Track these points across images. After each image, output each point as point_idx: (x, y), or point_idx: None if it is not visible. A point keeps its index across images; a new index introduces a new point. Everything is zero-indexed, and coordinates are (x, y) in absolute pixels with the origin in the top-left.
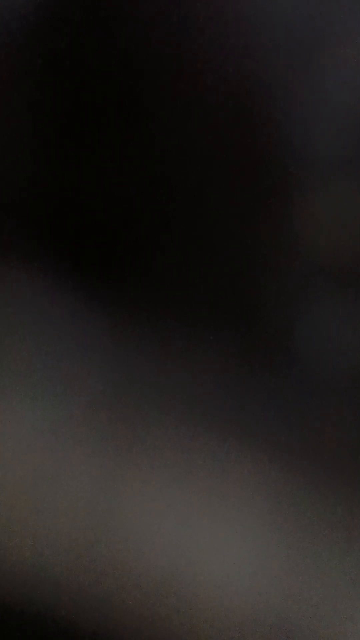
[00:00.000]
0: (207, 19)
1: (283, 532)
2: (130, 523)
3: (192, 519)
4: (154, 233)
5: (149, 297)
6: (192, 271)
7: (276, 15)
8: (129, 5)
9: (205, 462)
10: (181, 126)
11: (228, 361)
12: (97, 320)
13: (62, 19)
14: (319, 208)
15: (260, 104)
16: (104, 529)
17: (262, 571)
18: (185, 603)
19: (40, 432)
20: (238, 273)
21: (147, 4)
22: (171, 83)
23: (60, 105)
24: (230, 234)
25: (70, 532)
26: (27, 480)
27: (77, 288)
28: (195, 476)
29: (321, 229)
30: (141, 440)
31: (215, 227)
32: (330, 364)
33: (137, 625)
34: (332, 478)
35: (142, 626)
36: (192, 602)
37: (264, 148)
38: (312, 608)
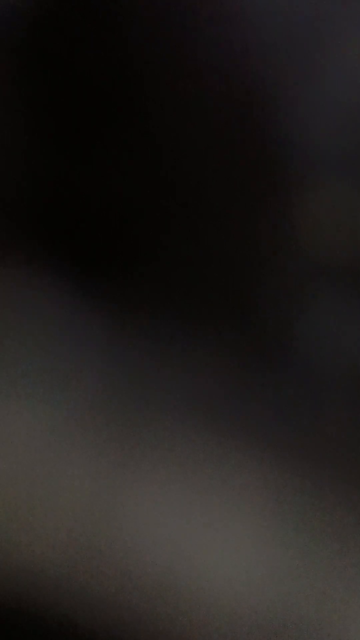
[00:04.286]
0: (207, 19)
1: (283, 531)
2: (130, 523)
3: (192, 519)
4: (153, 232)
5: (148, 296)
6: (191, 270)
7: (276, 15)
8: (129, 5)
9: (205, 461)
10: (181, 126)
11: (228, 361)
12: (97, 320)
13: (62, 19)
14: (319, 208)
15: (260, 104)
16: (104, 529)
17: (262, 571)
18: (185, 603)
19: (39, 432)
20: (238, 272)
21: (147, 4)
22: (171, 83)
23: (60, 105)
24: (230, 233)
25: (70, 531)
26: (27, 480)
27: (77, 288)
28: (195, 475)
29: (321, 229)
30: (141, 439)
31: (215, 227)
32: (329, 363)
33: (137, 625)
34: (331, 477)
35: (142, 626)
36: (192, 602)
37: (264, 148)
38: (312, 608)
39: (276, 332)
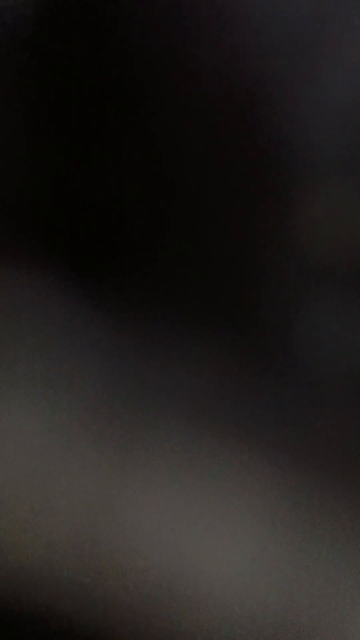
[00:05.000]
0: (207, 19)
1: (283, 532)
2: (130, 523)
3: (192, 519)
4: (153, 233)
5: (148, 297)
6: (191, 271)
7: (276, 15)
8: (129, 5)
9: (205, 462)
10: (181, 126)
11: (228, 361)
12: (97, 320)
13: (62, 19)
14: (319, 208)
15: (260, 104)
16: (104, 529)
17: (262, 571)
18: (185, 603)
19: (40, 432)
20: (238, 273)
21: (147, 4)
22: (171, 83)
23: (60, 106)
24: (230, 233)
25: (70, 532)
26: (27, 480)
27: (77, 288)
28: (195, 476)
29: (321, 229)
30: (141, 440)
31: (215, 227)
32: (330, 364)
33: (137, 625)
34: (331, 477)
35: (142, 626)
36: (192, 602)
37: (264, 148)
38: (312, 608)
39: (276, 333)
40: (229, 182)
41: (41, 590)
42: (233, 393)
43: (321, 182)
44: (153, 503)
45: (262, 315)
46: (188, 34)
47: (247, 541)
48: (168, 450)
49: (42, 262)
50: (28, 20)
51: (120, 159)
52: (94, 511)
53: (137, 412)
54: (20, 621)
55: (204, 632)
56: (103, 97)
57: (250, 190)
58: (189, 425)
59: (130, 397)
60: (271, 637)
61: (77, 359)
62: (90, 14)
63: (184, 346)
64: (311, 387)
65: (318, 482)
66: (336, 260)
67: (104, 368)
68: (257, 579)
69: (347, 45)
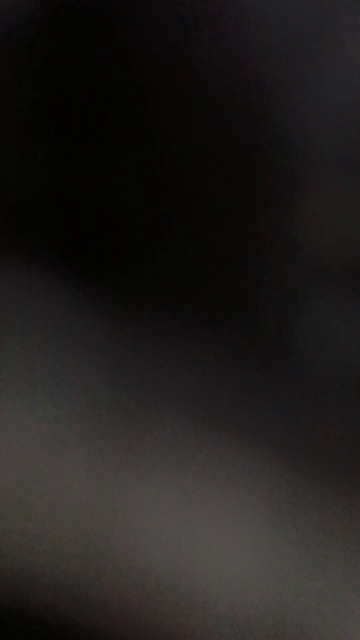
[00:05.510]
0: (207, 19)
1: (283, 531)
2: (130, 522)
3: (191, 519)
4: (153, 233)
5: (148, 297)
6: (191, 271)
7: (276, 15)
8: (129, 5)
9: (204, 461)
10: (181, 126)
11: (228, 361)
12: (97, 320)
13: (62, 19)
14: (319, 208)
15: (260, 104)
16: (104, 528)
17: (262, 570)
18: (186, 602)
19: (40, 432)
20: (238, 273)
21: (147, 4)
22: (171, 83)
23: (60, 106)
24: (230, 233)
25: (70, 531)
26: (27, 479)
27: (77, 288)
28: (195, 475)
29: (321, 229)
30: (141, 439)
31: (214, 227)
32: (330, 364)
33: (137, 625)
34: (331, 477)
35: (142, 626)
36: (192, 602)
37: (264, 148)
38: (312, 607)
39: (276, 333)
40: (229, 182)
41: (41, 590)
42: (233, 393)
43: (321, 182)
44: (153, 502)
45: (262, 315)
46: (188, 34)
47: (247, 540)
48: (168, 450)
49: (42, 262)
50: (28, 20)
51: (120, 159)
52: (94, 510)
53: (137, 412)
54: (20, 621)
55: (204, 632)
56: (103, 97)
57: (251, 190)
58: (189, 425)
59: (130, 397)
60: (271, 636)
61: (77, 358)
62: (90, 14)
63: (183, 346)
64: (311, 387)
65: (318, 482)
66: (336, 260)
67: (104, 368)
68: (258, 578)
69: (347, 45)
